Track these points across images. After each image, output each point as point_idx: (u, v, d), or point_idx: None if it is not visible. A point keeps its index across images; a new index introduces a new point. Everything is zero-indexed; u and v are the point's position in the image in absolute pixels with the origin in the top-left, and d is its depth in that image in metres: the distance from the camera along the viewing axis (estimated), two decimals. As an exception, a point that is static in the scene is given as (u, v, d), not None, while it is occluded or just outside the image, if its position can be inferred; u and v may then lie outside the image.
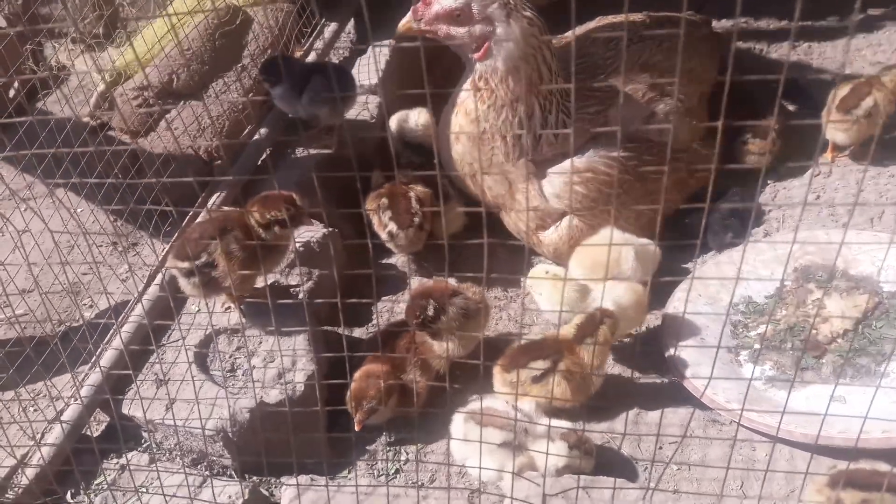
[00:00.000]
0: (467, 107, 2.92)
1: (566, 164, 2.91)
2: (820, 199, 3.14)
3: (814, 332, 2.62)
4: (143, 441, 2.40)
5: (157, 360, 2.38)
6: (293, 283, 2.66)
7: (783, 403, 2.42)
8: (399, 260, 3.04)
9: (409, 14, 2.76)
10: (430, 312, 2.33)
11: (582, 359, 2.33)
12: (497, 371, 2.40)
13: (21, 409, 2.54)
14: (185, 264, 2.35)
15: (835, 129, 3.15)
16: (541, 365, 2.32)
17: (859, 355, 2.51)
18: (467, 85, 2.91)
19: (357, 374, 2.31)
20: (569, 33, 3.40)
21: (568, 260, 2.80)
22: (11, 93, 3.67)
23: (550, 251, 3.01)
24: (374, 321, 2.79)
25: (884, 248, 2.73)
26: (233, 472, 2.25)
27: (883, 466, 1.99)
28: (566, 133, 2.91)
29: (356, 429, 2.29)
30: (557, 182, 2.92)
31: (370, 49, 3.57)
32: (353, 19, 3.82)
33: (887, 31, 4.03)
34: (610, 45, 3.14)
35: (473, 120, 2.87)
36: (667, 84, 3.09)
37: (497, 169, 2.93)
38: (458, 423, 2.25)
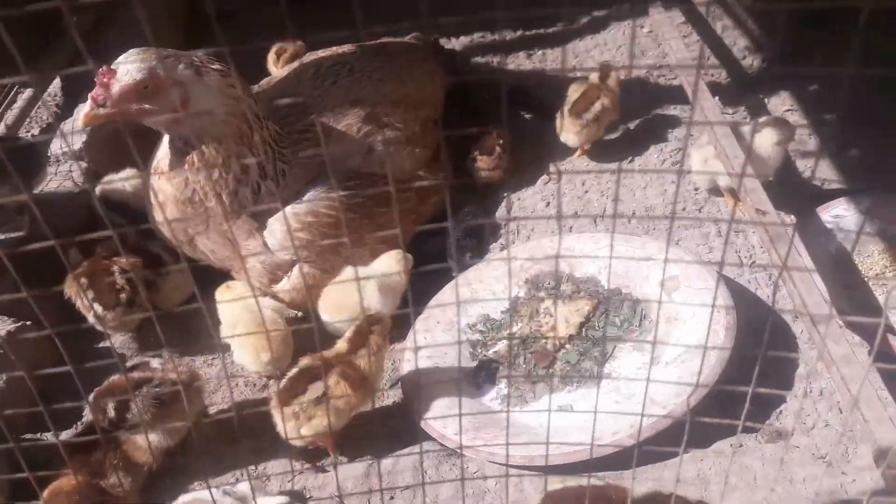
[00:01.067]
0: (166, 169, 2.70)
1: (286, 211, 2.78)
2: (550, 205, 3.21)
3: (543, 341, 2.65)
4: None
5: None
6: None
7: (519, 424, 2.46)
8: (119, 340, 2.78)
9: (88, 102, 2.44)
10: (112, 414, 2.10)
11: (359, 368, 2.29)
12: (275, 410, 2.25)
13: None
14: None
15: (567, 133, 3.25)
16: (319, 385, 2.22)
17: (585, 360, 2.56)
18: (165, 147, 2.71)
19: (44, 496, 2.03)
20: (272, 75, 3.30)
21: (313, 306, 2.70)
22: None
23: (288, 301, 2.86)
24: (85, 419, 2.51)
25: (603, 248, 2.82)
26: None
27: (583, 480, 2.00)
28: (286, 183, 2.79)
29: None
30: (278, 231, 2.78)
31: (76, 112, 3.27)
32: (58, 79, 3.50)
33: (612, 31, 4.25)
34: (317, 83, 3.06)
35: (178, 183, 2.68)
36: (382, 115, 3.04)
37: (216, 231, 2.76)
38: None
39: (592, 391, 2.43)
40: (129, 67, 2.40)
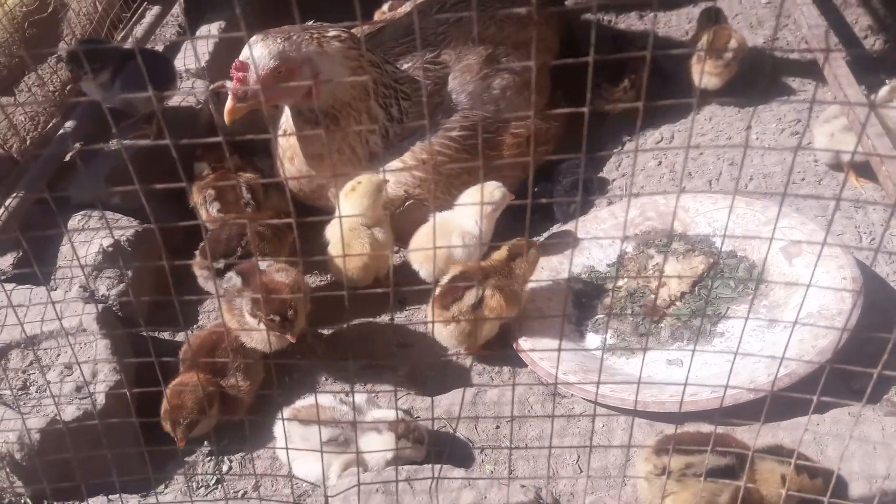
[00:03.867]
0: (293, 129, 2.77)
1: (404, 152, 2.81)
2: (661, 164, 3.15)
3: (653, 296, 2.62)
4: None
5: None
6: (102, 287, 2.42)
7: (623, 371, 2.45)
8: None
9: (229, 99, 2.49)
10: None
11: (513, 273, 2.38)
12: (434, 308, 2.35)
13: None
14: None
15: (708, 76, 3.18)
16: (475, 292, 2.31)
17: (696, 317, 2.52)
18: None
19: (169, 389, 2.10)
20: (404, 7, 3.30)
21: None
22: None
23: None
24: (200, 322, 2.59)
25: (720, 210, 2.77)
26: (27, 501, 2.02)
27: (706, 427, 1.99)
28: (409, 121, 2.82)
29: (179, 446, 2.10)
30: (395, 167, 2.80)
31: (198, 32, 3.34)
32: (180, 1, 3.57)
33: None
34: (440, 19, 3.05)
35: (309, 141, 2.74)
36: (502, 56, 3.02)
37: (344, 179, 2.80)
38: (281, 425, 2.10)
39: (703, 348, 2.40)
40: (260, 57, 2.44)
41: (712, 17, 3.29)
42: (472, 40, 3.01)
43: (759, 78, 3.44)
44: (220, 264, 2.36)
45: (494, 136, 2.96)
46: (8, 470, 1.96)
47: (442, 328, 2.36)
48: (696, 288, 2.60)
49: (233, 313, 2.23)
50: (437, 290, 2.41)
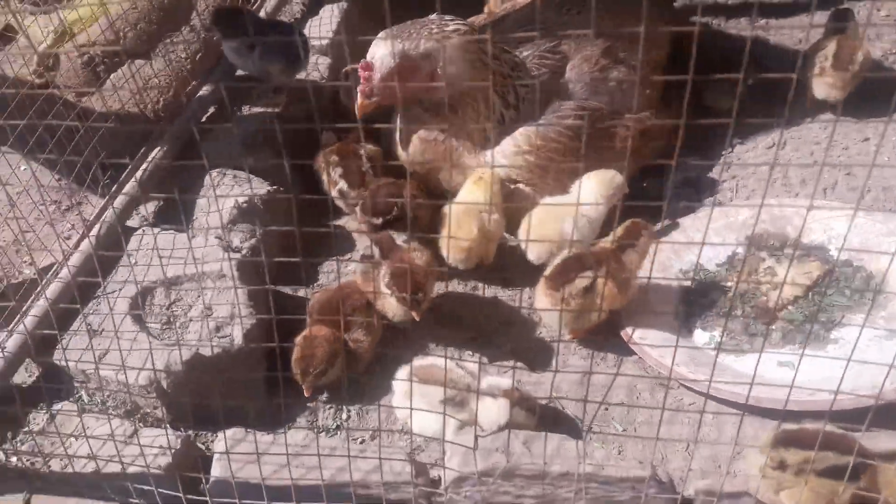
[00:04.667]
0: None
1: (517, 133, 2.87)
2: (775, 169, 3.13)
3: (764, 298, 2.61)
4: (75, 393, 2.31)
5: (90, 311, 2.28)
6: (236, 239, 2.56)
7: (732, 369, 2.46)
8: (348, 221, 2.96)
9: (359, 95, 2.67)
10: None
11: (624, 263, 2.39)
12: (542, 289, 2.40)
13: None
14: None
15: (830, 87, 3.14)
16: (588, 276, 2.34)
17: (809, 322, 2.51)
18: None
19: (300, 339, 2.23)
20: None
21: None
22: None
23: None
24: (320, 281, 2.71)
25: (836, 218, 2.74)
26: (167, 425, 2.16)
27: (825, 426, 1.98)
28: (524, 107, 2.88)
29: (305, 395, 2.22)
30: (508, 149, 2.87)
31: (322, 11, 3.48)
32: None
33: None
34: (562, 10, 3.10)
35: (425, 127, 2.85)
36: (619, 50, 3.06)
37: (459, 166, 2.89)
38: (400, 382, 2.20)
39: (815, 353, 2.38)
40: (382, 57, 2.61)
41: (846, 18, 3.19)
42: (592, 33, 3.05)
43: (878, 90, 3.38)
44: (378, 221, 2.55)
45: (607, 128, 2.99)
46: (155, 395, 2.10)
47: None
48: (810, 293, 2.59)
49: (366, 277, 2.35)
50: (548, 272, 2.46)
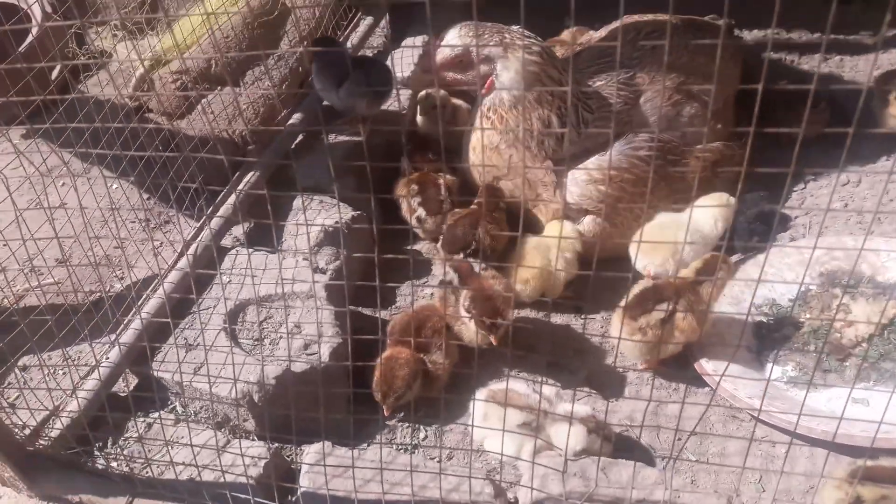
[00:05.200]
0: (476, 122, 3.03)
1: (591, 162, 2.94)
2: (848, 206, 3.13)
3: (838, 335, 2.61)
4: (169, 403, 2.45)
5: (186, 326, 2.43)
6: (321, 261, 2.69)
7: (807, 405, 2.46)
8: (424, 246, 3.07)
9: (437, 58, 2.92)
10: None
11: (701, 295, 2.43)
12: (619, 318, 2.48)
13: (49, 372, 2.60)
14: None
15: None
16: (666, 307, 2.40)
17: (884, 360, 2.50)
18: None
19: (383, 359, 2.33)
20: (601, 31, 3.46)
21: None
22: (54, 74, 3.78)
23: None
24: (398, 304, 2.82)
25: (912, 257, 2.73)
26: (255, 437, 2.28)
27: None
28: (587, 132, 2.96)
29: (385, 414, 2.32)
30: (581, 180, 2.94)
31: (404, 43, 3.63)
32: (387, 14, 3.88)
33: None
34: (637, 44, 3.17)
35: (487, 135, 2.97)
36: (694, 86, 3.11)
37: (515, 174, 2.98)
38: (479, 404, 2.27)
39: (890, 390, 2.37)
40: (449, 42, 2.86)
41: None
42: (666, 68, 3.12)
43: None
44: (460, 256, 2.70)
45: (679, 159, 3.04)
46: (246, 407, 2.23)
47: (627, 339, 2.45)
48: (886, 332, 2.58)
49: (445, 301, 2.45)
50: (625, 301, 2.51)
